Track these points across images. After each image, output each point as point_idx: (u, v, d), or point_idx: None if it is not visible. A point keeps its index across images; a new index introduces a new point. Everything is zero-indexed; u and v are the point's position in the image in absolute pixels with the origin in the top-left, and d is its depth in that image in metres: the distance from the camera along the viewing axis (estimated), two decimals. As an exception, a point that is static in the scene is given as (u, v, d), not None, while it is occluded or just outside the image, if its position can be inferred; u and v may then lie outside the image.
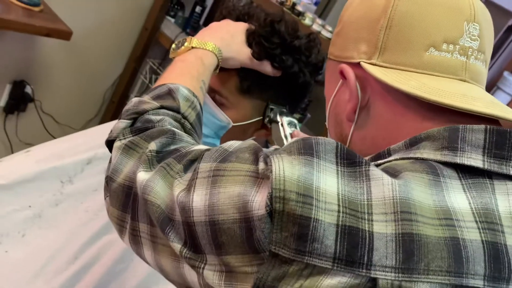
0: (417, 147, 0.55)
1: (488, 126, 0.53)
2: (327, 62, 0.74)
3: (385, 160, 0.56)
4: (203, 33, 0.90)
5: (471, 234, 0.48)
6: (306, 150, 0.50)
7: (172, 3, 2.68)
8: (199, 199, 0.52)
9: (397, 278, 0.45)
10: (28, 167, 1.12)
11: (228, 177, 0.52)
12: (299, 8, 2.12)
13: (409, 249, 0.45)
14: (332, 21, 2.25)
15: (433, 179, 0.50)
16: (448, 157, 0.52)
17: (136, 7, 2.55)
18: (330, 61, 0.72)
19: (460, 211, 0.49)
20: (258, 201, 0.48)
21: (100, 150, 1.18)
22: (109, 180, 0.67)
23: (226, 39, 0.90)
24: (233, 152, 0.56)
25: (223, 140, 0.99)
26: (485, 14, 0.63)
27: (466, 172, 0.52)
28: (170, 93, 0.74)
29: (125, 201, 0.63)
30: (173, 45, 0.88)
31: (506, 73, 1.98)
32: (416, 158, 0.53)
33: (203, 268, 0.53)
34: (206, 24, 2.25)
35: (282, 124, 0.96)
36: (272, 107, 0.98)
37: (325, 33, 2.01)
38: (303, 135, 0.92)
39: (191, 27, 2.70)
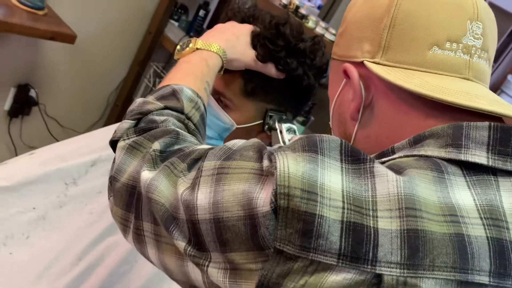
0: (421, 144, 0.55)
1: (492, 123, 0.53)
2: (330, 62, 0.74)
3: (389, 158, 0.56)
4: (208, 34, 0.90)
5: (476, 231, 0.48)
6: (310, 147, 0.50)
7: (175, 7, 2.69)
8: (203, 197, 0.53)
9: (402, 274, 0.45)
10: (32, 169, 1.12)
11: (232, 174, 0.52)
12: (303, 11, 2.12)
13: (414, 245, 0.45)
14: (335, 24, 2.25)
15: (438, 176, 0.50)
16: (452, 154, 0.52)
17: (140, 11, 2.56)
18: (333, 61, 0.72)
19: (465, 208, 0.49)
20: (263, 198, 0.48)
21: (104, 152, 1.18)
22: (112, 180, 0.67)
23: (231, 40, 0.90)
24: (237, 150, 0.56)
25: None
26: (488, 13, 0.63)
27: (470, 169, 0.52)
28: (174, 93, 0.74)
29: (129, 201, 0.63)
30: (178, 47, 0.88)
31: (510, 77, 1.98)
32: (420, 156, 0.54)
33: (208, 266, 0.53)
34: (209, 27, 2.27)
35: (281, 131, 0.96)
36: (271, 114, 0.99)
37: (328, 36, 2.01)
38: None
39: (195, 30, 2.71)
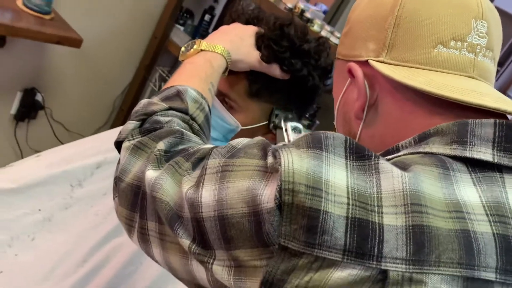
0: (426, 142, 0.55)
1: (498, 120, 0.53)
2: (335, 62, 0.75)
3: (394, 155, 0.56)
4: (213, 36, 0.90)
5: (482, 227, 0.47)
6: (315, 144, 0.50)
7: (181, 12, 2.70)
8: (207, 195, 0.53)
9: (407, 270, 0.45)
10: (38, 171, 1.13)
11: (236, 172, 0.52)
12: (308, 15, 2.13)
13: (420, 241, 0.45)
14: (341, 28, 2.25)
15: (443, 173, 0.50)
16: (457, 151, 0.52)
17: (146, 15, 2.57)
18: (338, 61, 0.73)
19: (471, 204, 0.49)
20: (267, 194, 0.48)
21: (109, 154, 1.19)
22: (117, 180, 0.67)
23: (235, 42, 0.90)
24: (242, 148, 0.56)
25: (231, 143, 0.99)
26: (493, 12, 0.63)
27: (475, 166, 0.52)
28: (178, 94, 0.74)
29: (134, 201, 0.64)
30: (183, 48, 0.88)
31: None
32: (426, 153, 0.54)
33: (212, 264, 0.53)
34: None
35: (286, 130, 0.96)
36: (277, 113, 0.99)
37: (334, 40, 2.01)
38: None
39: (200, 35, 2.72)
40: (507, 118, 0.59)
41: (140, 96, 2.81)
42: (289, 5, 2.18)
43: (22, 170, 1.15)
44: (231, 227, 0.50)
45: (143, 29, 2.62)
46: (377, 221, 0.46)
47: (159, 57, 2.71)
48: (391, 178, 0.48)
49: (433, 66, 0.60)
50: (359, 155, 0.50)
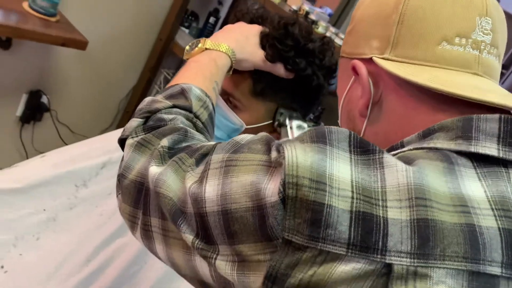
0: (430, 137, 0.55)
1: (503, 116, 0.53)
2: (339, 61, 0.74)
3: (399, 151, 0.55)
4: (217, 35, 0.90)
5: (487, 221, 0.47)
6: (319, 138, 0.50)
7: (186, 14, 2.71)
8: (211, 190, 0.53)
9: (412, 264, 0.44)
10: (43, 171, 1.13)
11: (240, 167, 0.52)
12: (312, 16, 2.13)
13: (425, 234, 0.45)
14: (345, 31, 2.25)
15: (448, 167, 0.50)
16: (462, 146, 0.52)
17: (151, 18, 2.58)
18: (342, 59, 0.72)
19: (476, 199, 0.48)
20: (271, 188, 0.48)
21: (114, 155, 1.19)
22: (121, 177, 0.67)
23: (240, 41, 0.90)
24: (245, 144, 0.56)
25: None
26: (497, 9, 0.63)
27: (480, 161, 0.52)
28: (182, 92, 0.74)
29: (137, 197, 0.64)
30: (187, 47, 0.88)
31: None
32: (430, 148, 0.53)
33: (215, 259, 0.53)
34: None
35: (291, 128, 0.96)
36: (282, 111, 0.98)
37: (338, 41, 2.01)
38: None
39: (205, 37, 2.72)
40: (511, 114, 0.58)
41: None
42: (294, 7, 2.18)
43: (27, 170, 1.15)
44: (235, 221, 0.50)
45: (148, 31, 2.63)
46: (381, 215, 0.45)
47: (164, 60, 2.72)
48: (395, 172, 0.47)
49: (438, 63, 0.60)
50: (363, 150, 0.50)
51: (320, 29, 2.08)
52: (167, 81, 2.77)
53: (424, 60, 0.60)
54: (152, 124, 0.69)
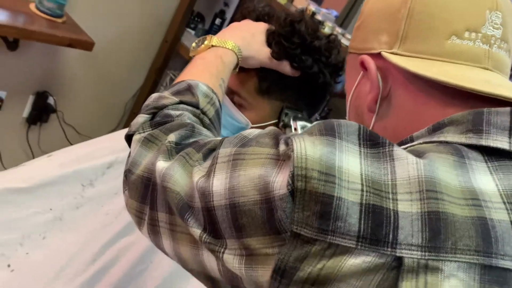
0: (440, 131, 0.54)
1: None
2: (347, 57, 0.74)
3: (408, 145, 0.55)
4: (224, 32, 0.90)
5: (500, 215, 0.46)
6: (327, 131, 0.49)
7: (192, 16, 2.71)
8: (219, 183, 0.52)
9: (423, 257, 0.44)
10: (50, 171, 1.13)
11: (248, 160, 0.52)
12: (319, 17, 2.13)
13: (436, 227, 0.44)
14: (352, 31, 2.25)
15: (458, 161, 0.49)
16: (473, 140, 0.51)
17: (157, 19, 2.58)
18: (350, 55, 0.72)
19: (487, 192, 0.48)
20: (280, 181, 0.47)
21: (121, 154, 1.19)
22: (128, 173, 0.67)
23: (247, 38, 0.90)
24: (253, 138, 0.56)
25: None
26: (507, 3, 0.62)
27: (491, 154, 0.51)
28: (189, 89, 0.74)
29: (144, 193, 0.63)
30: (193, 44, 0.88)
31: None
32: (440, 142, 0.53)
33: (223, 253, 0.52)
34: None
35: (295, 129, 0.96)
36: (287, 112, 0.98)
37: (345, 42, 2.00)
38: None
39: (211, 39, 2.72)
40: None
41: (151, 100, 2.81)
42: (300, 7, 2.18)
43: (34, 170, 1.15)
44: (243, 215, 0.49)
45: (154, 33, 2.63)
46: (391, 208, 0.45)
47: (170, 61, 2.72)
48: (406, 165, 0.47)
49: (447, 58, 0.59)
50: (373, 143, 0.49)
51: (327, 30, 2.08)
52: (173, 82, 2.77)
53: (433, 55, 0.59)
54: (159, 120, 0.69)
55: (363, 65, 0.64)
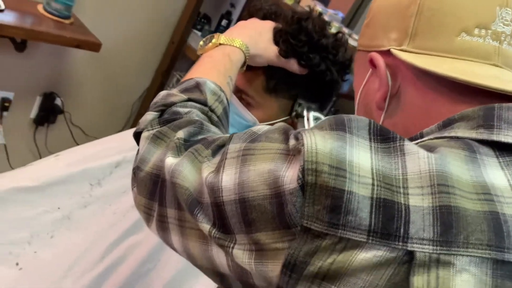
0: (451, 127, 0.54)
1: None
2: (356, 55, 0.74)
3: (418, 141, 0.54)
4: (231, 30, 0.90)
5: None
6: (338, 126, 0.49)
7: (198, 17, 2.72)
8: (228, 179, 0.52)
9: (435, 251, 0.43)
10: (58, 170, 1.14)
11: (258, 155, 0.52)
12: (326, 18, 2.12)
13: (447, 221, 0.44)
14: (358, 32, 2.24)
15: (470, 156, 0.49)
16: (484, 135, 0.51)
17: (164, 20, 2.59)
18: (359, 53, 0.72)
19: (499, 187, 0.47)
20: (290, 175, 0.47)
21: (128, 153, 1.20)
22: (136, 170, 0.67)
23: (254, 36, 0.90)
24: (263, 133, 0.56)
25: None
26: None
27: (503, 150, 0.51)
28: (197, 86, 0.74)
29: (153, 189, 0.63)
30: (201, 42, 0.88)
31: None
32: (451, 137, 0.52)
33: (233, 248, 0.52)
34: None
35: (308, 119, 0.96)
36: (301, 102, 0.98)
37: (352, 42, 2.00)
38: None
39: (218, 40, 2.72)
40: None
41: (158, 101, 2.81)
42: (307, 8, 2.17)
43: (42, 169, 1.16)
44: (252, 209, 0.49)
45: (161, 34, 2.63)
46: (403, 202, 0.44)
47: (177, 62, 2.73)
48: (417, 160, 0.47)
49: (457, 54, 0.59)
50: (383, 137, 0.49)
51: (333, 30, 2.07)
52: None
53: (443, 51, 0.59)
54: (168, 117, 0.69)
55: (372, 63, 0.64)
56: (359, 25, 2.53)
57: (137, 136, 0.72)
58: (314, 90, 0.99)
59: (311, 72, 0.95)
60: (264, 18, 0.97)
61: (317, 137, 0.48)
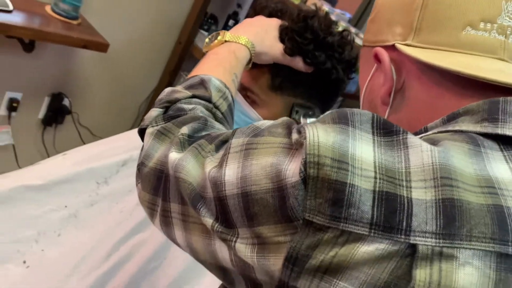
0: (455, 121, 0.53)
1: None
2: (361, 51, 0.74)
3: (423, 135, 0.54)
4: (237, 27, 0.90)
5: None
6: (341, 120, 0.49)
7: (205, 17, 2.72)
8: (231, 173, 0.52)
9: (438, 244, 0.43)
10: (65, 169, 1.14)
11: (260, 149, 0.51)
12: (332, 17, 2.12)
13: (450, 214, 0.43)
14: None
15: (474, 149, 0.48)
16: (488, 129, 0.51)
17: (171, 21, 2.60)
18: (364, 49, 0.71)
19: (503, 181, 0.47)
20: (292, 168, 0.47)
21: (135, 152, 1.20)
22: (141, 165, 0.67)
23: (260, 34, 0.90)
24: (266, 128, 0.55)
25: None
26: None
27: (507, 143, 0.50)
28: (202, 83, 0.74)
29: (157, 185, 0.63)
30: (207, 39, 0.88)
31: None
32: (455, 131, 0.52)
33: (235, 242, 0.52)
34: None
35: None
36: (297, 109, 0.98)
37: (359, 41, 1.99)
38: None
39: (225, 40, 2.73)
40: None
41: (165, 102, 2.82)
42: (313, 7, 2.17)
43: (49, 168, 1.17)
44: (255, 203, 0.49)
45: (168, 34, 2.64)
46: (405, 195, 0.44)
47: (184, 63, 2.73)
48: (420, 153, 0.46)
49: (462, 49, 0.58)
50: (386, 131, 0.48)
51: (340, 29, 2.07)
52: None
53: (448, 46, 0.59)
54: (172, 113, 0.69)
55: (376, 58, 0.64)
56: (366, 26, 2.53)
57: (141, 133, 0.72)
58: (319, 88, 0.99)
59: (317, 70, 0.95)
60: (270, 16, 0.97)
61: (319, 131, 0.47)
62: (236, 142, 0.55)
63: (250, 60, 0.87)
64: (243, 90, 0.98)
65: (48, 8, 2.02)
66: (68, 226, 1.11)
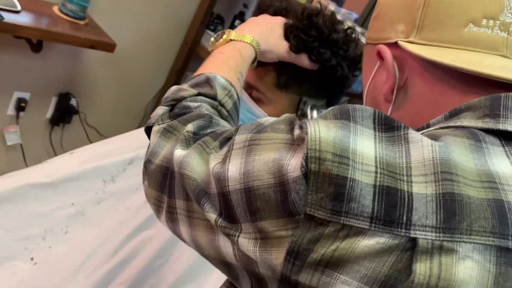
0: (457, 117, 0.54)
1: None
2: (364, 49, 0.74)
3: (424, 131, 0.54)
4: (242, 26, 0.91)
5: None
6: (342, 115, 0.49)
7: (212, 17, 2.73)
8: (234, 169, 0.53)
9: (438, 238, 0.43)
10: (71, 167, 1.15)
11: (263, 145, 0.52)
12: (339, 17, 2.12)
13: (451, 208, 0.44)
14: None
15: (475, 144, 0.49)
16: (490, 124, 0.51)
17: (177, 21, 2.61)
18: (367, 46, 0.72)
19: (504, 176, 0.47)
20: (293, 164, 0.48)
21: (141, 151, 1.21)
22: (147, 163, 0.68)
23: (265, 32, 0.90)
24: (269, 124, 0.56)
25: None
26: None
27: (509, 139, 0.50)
28: (207, 81, 0.75)
29: (163, 182, 0.64)
30: (212, 38, 0.89)
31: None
32: (457, 127, 0.52)
33: (238, 237, 0.53)
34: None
35: (312, 118, 0.96)
36: (305, 99, 0.98)
37: (364, 40, 2.00)
38: None
39: (231, 40, 2.73)
40: None
41: (172, 102, 2.83)
42: (317, 5, 2.17)
43: (56, 166, 1.18)
44: (257, 198, 0.50)
45: (174, 35, 2.65)
46: (406, 190, 0.45)
47: (191, 63, 2.74)
48: (420, 148, 0.47)
49: (464, 46, 0.58)
50: (388, 126, 0.49)
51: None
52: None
53: (450, 43, 0.59)
54: (178, 111, 0.70)
55: (379, 55, 0.64)
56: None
57: (148, 131, 0.73)
58: (324, 85, 0.99)
59: (322, 68, 0.96)
60: (274, 14, 0.98)
61: (321, 126, 0.48)
62: (239, 139, 0.55)
63: (255, 58, 0.88)
64: (249, 88, 0.99)
65: (55, 9, 2.04)
66: (75, 224, 1.12)
